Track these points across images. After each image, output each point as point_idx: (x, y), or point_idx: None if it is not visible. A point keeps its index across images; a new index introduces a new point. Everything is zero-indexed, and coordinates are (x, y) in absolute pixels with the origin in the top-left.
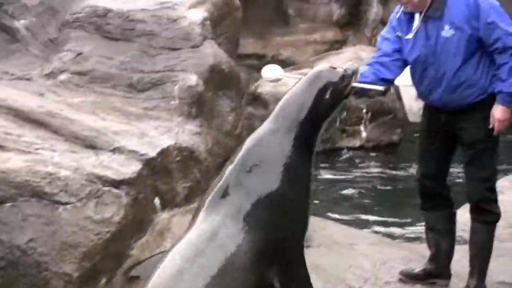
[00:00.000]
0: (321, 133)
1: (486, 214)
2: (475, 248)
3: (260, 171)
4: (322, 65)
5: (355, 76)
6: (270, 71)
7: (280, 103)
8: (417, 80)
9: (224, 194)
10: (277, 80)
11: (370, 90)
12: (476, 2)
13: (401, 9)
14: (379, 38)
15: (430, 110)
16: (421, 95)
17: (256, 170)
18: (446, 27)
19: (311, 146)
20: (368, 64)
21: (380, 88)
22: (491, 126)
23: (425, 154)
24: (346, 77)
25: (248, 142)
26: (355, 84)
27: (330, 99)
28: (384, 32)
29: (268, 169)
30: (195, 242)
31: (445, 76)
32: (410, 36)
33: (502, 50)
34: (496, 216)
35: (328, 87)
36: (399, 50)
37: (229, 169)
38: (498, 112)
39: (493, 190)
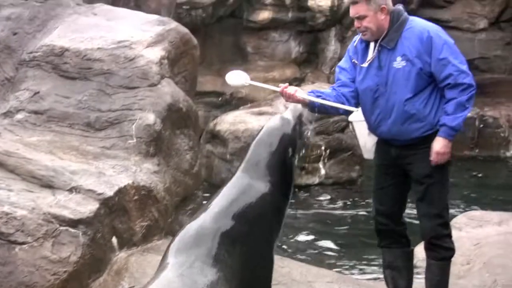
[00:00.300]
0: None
1: (440, 250)
2: (430, 285)
3: (235, 216)
4: (273, 120)
5: (301, 116)
6: (236, 77)
7: (247, 156)
8: (367, 110)
9: (199, 237)
10: (243, 86)
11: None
12: (429, 38)
13: (358, 37)
14: (337, 69)
15: (381, 145)
16: (371, 126)
17: (231, 216)
18: (399, 58)
19: (285, 190)
20: (331, 88)
21: (352, 108)
22: (431, 158)
23: (379, 191)
24: (297, 122)
25: (226, 190)
26: (326, 102)
27: (290, 146)
28: (342, 62)
29: (243, 214)
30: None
31: (395, 107)
32: (365, 65)
33: (453, 86)
34: (450, 251)
35: (285, 138)
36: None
37: (204, 213)
38: (438, 144)
39: (445, 225)
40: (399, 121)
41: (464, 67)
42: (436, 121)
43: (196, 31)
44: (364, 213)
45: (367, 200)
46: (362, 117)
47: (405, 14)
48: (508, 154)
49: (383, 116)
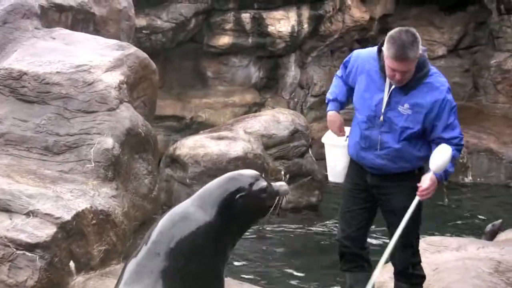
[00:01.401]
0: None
1: (412, 277)
2: None
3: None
4: (248, 170)
5: (281, 198)
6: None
7: (202, 190)
8: (360, 127)
9: (139, 274)
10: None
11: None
12: (445, 102)
13: (374, 53)
14: (341, 70)
15: (356, 170)
16: (355, 149)
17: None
18: (406, 105)
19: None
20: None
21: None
22: (422, 188)
23: (347, 213)
24: (270, 194)
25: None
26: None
27: (244, 206)
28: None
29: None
30: None
31: (389, 144)
32: (378, 97)
33: (454, 146)
34: (421, 278)
35: (241, 192)
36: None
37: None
38: (431, 182)
39: (417, 254)
40: (388, 157)
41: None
42: (419, 165)
43: (156, 55)
44: (324, 237)
45: (327, 225)
46: (339, 141)
47: (429, 65)
48: (466, 180)
49: (373, 145)
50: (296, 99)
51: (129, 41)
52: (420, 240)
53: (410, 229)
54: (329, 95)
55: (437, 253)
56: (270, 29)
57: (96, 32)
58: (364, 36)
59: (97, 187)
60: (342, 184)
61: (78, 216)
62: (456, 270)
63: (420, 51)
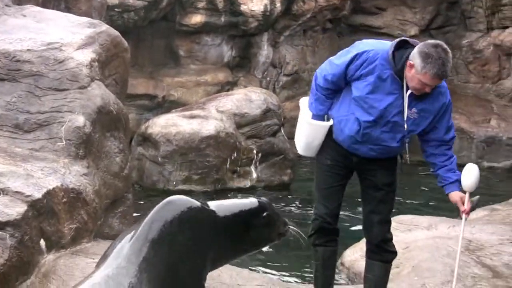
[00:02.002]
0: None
1: (385, 253)
2: (372, 285)
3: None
4: (265, 200)
5: (288, 230)
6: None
7: (220, 204)
8: (357, 129)
9: (131, 242)
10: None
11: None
12: (449, 104)
13: (376, 62)
14: (330, 76)
15: (340, 151)
16: (349, 141)
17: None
18: (414, 109)
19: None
20: (325, 99)
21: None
22: (463, 209)
23: (329, 189)
24: (284, 222)
25: (169, 198)
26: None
27: (264, 225)
28: (338, 68)
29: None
30: None
31: (384, 143)
32: (398, 101)
33: (451, 146)
34: (394, 254)
35: (264, 207)
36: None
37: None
38: (458, 196)
39: (390, 229)
40: (381, 151)
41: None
42: (403, 150)
43: (128, 34)
44: (295, 216)
45: (298, 203)
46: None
47: None
48: None
49: (371, 141)
50: (268, 78)
51: (100, 19)
52: (391, 219)
53: (391, 205)
54: (313, 111)
55: (408, 231)
56: (243, 8)
57: (68, 9)
58: (337, 15)
59: (68, 165)
60: (318, 159)
61: (49, 194)
62: (427, 248)
63: None
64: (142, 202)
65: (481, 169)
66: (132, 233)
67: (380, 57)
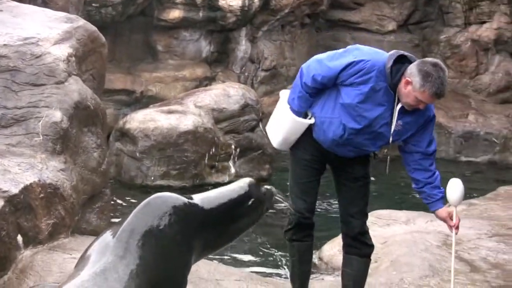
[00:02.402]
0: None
1: (363, 246)
2: (353, 280)
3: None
4: (248, 179)
5: (271, 200)
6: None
7: (209, 194)
8: (341, 134)
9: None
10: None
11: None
12: (433, 118)
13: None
14: (319, 77)
15: (318, 147)
16: (330, 143)
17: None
18: (400, 122)
19: (214, 228)
20: (308, 97)
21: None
22: (452, 224)
23: (307, 184)
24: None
25: (157, 194)
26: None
27: (249, 205)
28: (329, 68)
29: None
30: None
31: (367, 148)
32: (385, 114)
33: (434, 160)
34: (371, 248)
35: (249, 194)
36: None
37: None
38: (445, 213)
39: (366, 223)
40: (356, 154)
41: None
42: None
43: (106, 29)
44: (274, 211)
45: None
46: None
47: None
48: None
49: (352, 145)
50: (246, 73)
51: (78, 14)
52: (369, 214)
53: (367, 196)
54: (295, 107)
55: (386, 226)
56: (221, 3)
57: (45, 4)
58: (315, 11)
59: (45, 160)
60: (294, 153)
61: (26, 189)
62: (405, 243)
63: None
64: (120, 198)
65: (459, 163)
66: (118, 229)
67: (377, 69)
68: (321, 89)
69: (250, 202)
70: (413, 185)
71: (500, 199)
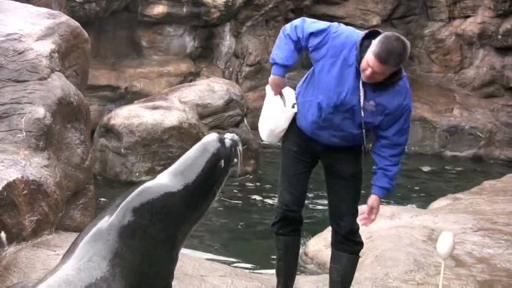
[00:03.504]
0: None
1: (353, 244)
2: (341, 276)
3: (136, 209)
4: (210, 136)
5: (236, 147)
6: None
7: (176, 164)
8: (317, 106)
9: (97, 231)
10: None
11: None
12: (407, 107)
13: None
14: (307, 29)
15: (304, 138)
16: (310, 128)
17: (132, 208)
18: (372, 103)
19: (197, 206)
20: (292, 46)
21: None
22: (367, 216)
23: (294, 176)
24: (233, 148)
25: (139, 189)
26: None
27: (221, 168)
28: (314, 29)
29: (144, 208)
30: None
31: (344, 131)
32: (350, 86)
33: (398, 154)
34: (361, 245)
35: (218, 156)
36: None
37: (112, 211)
38: (376, 202)
39: (356, 220)
40: (343, 138)
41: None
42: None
43: (90, 25)
44: (259, 206)
45: (262, 194)
46: (286, 106)
47: (403, 71)
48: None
49: (332, 127)
50: (231, 69)
51: (61, 10)
52: None
53: (357, 195)
54: (278, 59)
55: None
56: None
57: (27, 0)
58: (299, 5)
59: (28, 157)
60: (284, 145)
61: (9, 186)
62: (390, 238)
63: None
64: (105, 194)
65: (444, 158)
66: (102, 224)
67: (350, 43)
68: (300, 48)
69: (220, 165)
70: (373, 167)
71: (485, 193)
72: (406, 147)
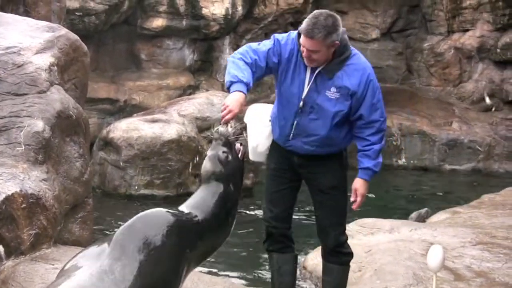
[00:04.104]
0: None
1: (341, 255)
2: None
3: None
4: (206, 161)
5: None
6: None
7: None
8: (285, 118)
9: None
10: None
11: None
12: (369, 81)
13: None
14: (261, 47)
15: (282, 152)
16: (282, 134)
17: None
18: (333, 89)
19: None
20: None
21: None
22: (353, 199)
23: (275, 194)
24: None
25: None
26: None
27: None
28: (267, 44)
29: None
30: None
31: (317, 131)
32: (301, 84)
33: (377, 131)
34: (350, 255)
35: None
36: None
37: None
38: (363, 187)
39: (344, 232)
40: (316, 144)
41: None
42: (344, 146)
43: (89, 38)
44: (258, 220)
45: (262, 207)
46: (262, 119)
47: (350, 47)
48: (400, 162)
49: (301, 132)
50: None
51: (60, 23)
52: (353, 222)
53: (340, 207)
54: (238, 77)
55: (370, 235)
56: (204, 11)
57: (27, 13)
58: (298, 19)
59: (27, 170)
60: (265, 163)
61: (8, 200)
62: (389, 251)
63: (337, 40)
64: (104, 207)
65: (443, 171)
66: (112, 238)
67: (292, 43)
68: (256, 65)
69: (228, 158)
70: None
71: (484, 207)
72: (404, 159)
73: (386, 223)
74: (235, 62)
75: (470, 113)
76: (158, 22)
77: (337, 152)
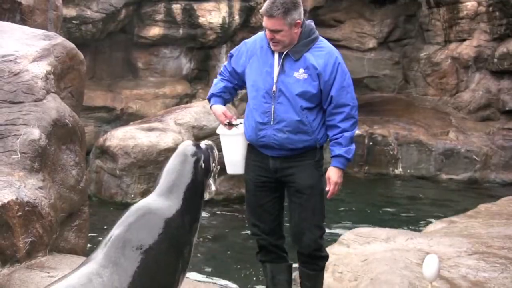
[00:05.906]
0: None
1: (318, 260)
2: None
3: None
4: (185, 142)
5: (212, 150)
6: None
7: (163, 178)
8: (255, 108)
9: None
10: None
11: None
12: (337, 63)
13: (262, 35)
14: (230, 60)
15: (256, 160)
16: (254, 131)
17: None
18: (301, 70)
19: (194, 214)
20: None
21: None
22: (327, 189)
23: (258, 210)
24: (209, 150)
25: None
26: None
27: (202, 168)
28: (236, 53)
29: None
30: None
31: (289, 114)
32: (270, 69)
33: (347, 117)
34: (326, 259)
35: (197, 158)
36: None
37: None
38: (336, 175)
39: (323, 236)
40: (288, 129)
41: (355, 100)
42: (320, 137)
43: (86, 46)
44: None
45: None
46: (232, 131)
47: (317, 32)
48: (396, 171)
49: (272, 119)
50: None
51: (56, 31)
52: (349, 231)
53: (318, 208)
54: (212, 92)
55: (366, 244)
56: (201, 20)
57: (23, 21)
58: None
59: (23, 178)
60: (244, 175)
61: (4, 207)
62: (385, 261)
63: (298, 19)
64: (100, 215)
65: (439, 181)
66: (106, 243)
67: (256, 37)
68: (234, 79)
69: (201, 164)
70: None
71: (481, 217)
72: (400, 168)
73: (382, 232)
74: (216, 80)
75: (467, 123)
76: (155, 31)
77: (311, 147)
